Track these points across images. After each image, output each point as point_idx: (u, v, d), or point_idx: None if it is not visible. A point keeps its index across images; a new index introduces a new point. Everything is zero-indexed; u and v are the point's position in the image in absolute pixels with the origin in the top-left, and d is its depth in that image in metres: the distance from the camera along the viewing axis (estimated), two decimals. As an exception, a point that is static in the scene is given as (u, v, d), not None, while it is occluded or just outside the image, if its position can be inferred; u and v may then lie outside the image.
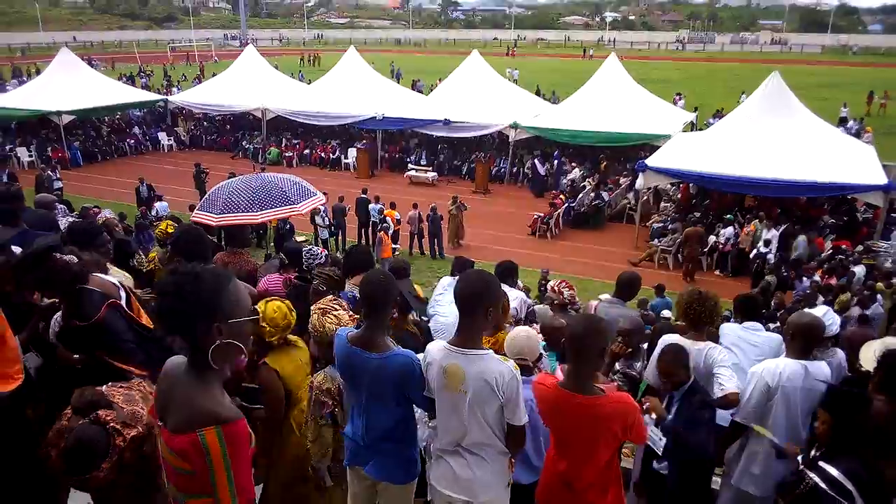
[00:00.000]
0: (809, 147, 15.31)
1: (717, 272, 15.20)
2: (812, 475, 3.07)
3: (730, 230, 15.09)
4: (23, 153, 24.28)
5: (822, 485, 2.99)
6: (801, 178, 14.53)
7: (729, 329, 5.18)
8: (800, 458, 3.40)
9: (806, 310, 5.36)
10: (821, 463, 3.09)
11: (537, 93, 31.11)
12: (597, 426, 2.92)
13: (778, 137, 15.47)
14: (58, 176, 19.44)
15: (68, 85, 25.22)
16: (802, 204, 16.97)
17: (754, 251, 14.48)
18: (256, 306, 3.75)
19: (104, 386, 2.92)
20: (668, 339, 4.39)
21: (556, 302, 5.77)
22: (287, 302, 3.71)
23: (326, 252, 5.76)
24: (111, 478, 2.50)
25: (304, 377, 3.75)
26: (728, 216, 15.70)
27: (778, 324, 8.49)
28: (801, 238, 14.40)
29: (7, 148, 24.45)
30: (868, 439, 3.08)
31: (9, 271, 3.99)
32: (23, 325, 4.11)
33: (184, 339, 2.05)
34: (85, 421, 2.51)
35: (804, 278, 12.51)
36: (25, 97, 25.59)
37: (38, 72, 35.29)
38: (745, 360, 4.71)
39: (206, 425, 1.93)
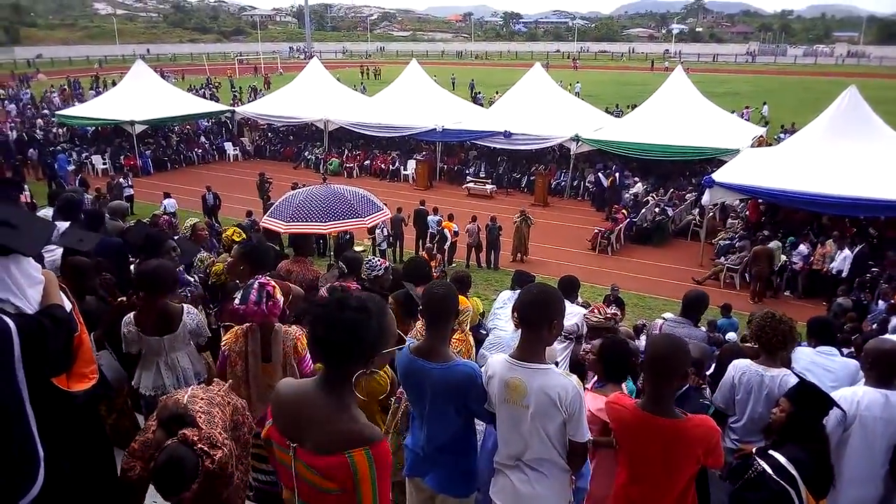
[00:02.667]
0: (888, 164, 14.56)
1: (787, 293, 14.62)
2: (761, 461, 3.11)
3: (802, 249, 14.49)
4: (97, 161, 25.48)
5: (769, 470, 3.04)
6: (879, 197, 13.81)
7: (802, 353, 4.97)
8: (753, 449, 3.45)
9: (886, 335, 5.09)
10: (770, 451, 3.15)
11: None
12: (678, 450, 2.82)
13: (854, 153, 14.78)
14: (129, 183, 20.23)
15: (142, 95, 26.34)
16: (880, 224, 16.16)
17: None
18: None
19: (187, 393, 2.96)
20: (739, 364, 4.22)
21: (609, 326, 5.54)
22: None
23: (387, 264, 5.75)
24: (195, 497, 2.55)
25: None
26: (790, 238, 15.13)
27: (852, 349, 8.08)
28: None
29: (83, 155, 25.72)
30: (818, 437, 3.21)
31: (92, 271, 4.16)
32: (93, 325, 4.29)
33: (331, 367, 2.07)
34: (175, 440, 2.56)
35: (881, 301, 11.91)
36: (102, 107, 26.90)
37: (114, 83, 36.99)
38: (820, 387, 4.48)
39: (354, 446, 1.96)
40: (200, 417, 2.74)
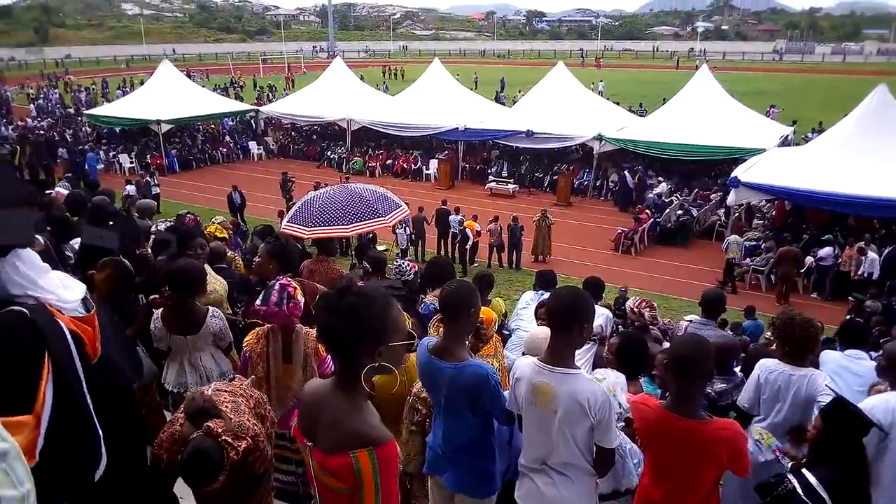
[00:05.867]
0: (921, 164, 14.25)
1: (813, 294, 14.39)
2: (792, 479, 3.05)
3: (828, 250, 14.25)
4: (124, 160, 25.83)
5: (799, 490, 2.98)
6: (911, 198, 13.53)
7: (830, 357, 4.91)
8: (789, 464, 3.39)
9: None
10: (803, 469, 3.08)
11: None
12: (702, 452, 2.80)
13: (883, 153, 14.48)
14: (156, 182, 20.44)
15: (168, 95, 26.67)
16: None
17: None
18: None
19: (211, 387, 3.01)
20: (766, 364, 4.17)
21: (636, 323, 5.58)
22: None
23: (416, 268, 5.77)
24: (224, 489, 2.58)
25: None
26: (826, 237, 14.86)
27: (881, 353, 7.95)
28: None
29: (111, 154, 26.09)
30: (855, 459, 3.07)
31: (115, 271, 4.24)
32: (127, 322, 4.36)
33: (340, 358, 2.07)
34: (199, 433, 2.59)
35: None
36: (129, 107, 27.27)
37: (141, 83, 37.46)
38: (847, 391, 4.41)
39: (359, 447, 1.94)
40: (227, 407, 2.78)
